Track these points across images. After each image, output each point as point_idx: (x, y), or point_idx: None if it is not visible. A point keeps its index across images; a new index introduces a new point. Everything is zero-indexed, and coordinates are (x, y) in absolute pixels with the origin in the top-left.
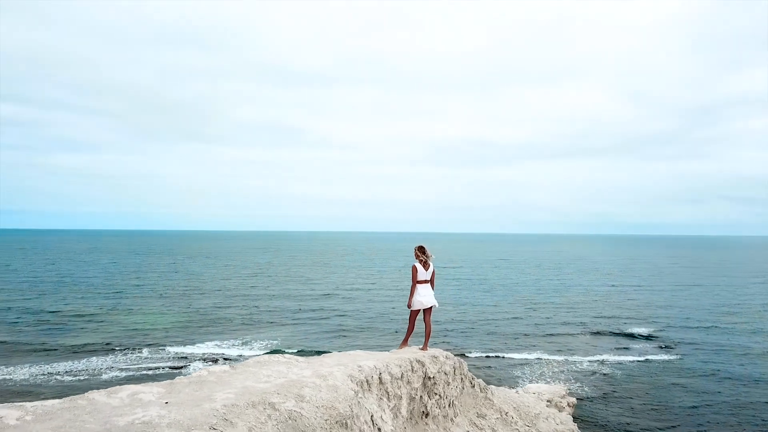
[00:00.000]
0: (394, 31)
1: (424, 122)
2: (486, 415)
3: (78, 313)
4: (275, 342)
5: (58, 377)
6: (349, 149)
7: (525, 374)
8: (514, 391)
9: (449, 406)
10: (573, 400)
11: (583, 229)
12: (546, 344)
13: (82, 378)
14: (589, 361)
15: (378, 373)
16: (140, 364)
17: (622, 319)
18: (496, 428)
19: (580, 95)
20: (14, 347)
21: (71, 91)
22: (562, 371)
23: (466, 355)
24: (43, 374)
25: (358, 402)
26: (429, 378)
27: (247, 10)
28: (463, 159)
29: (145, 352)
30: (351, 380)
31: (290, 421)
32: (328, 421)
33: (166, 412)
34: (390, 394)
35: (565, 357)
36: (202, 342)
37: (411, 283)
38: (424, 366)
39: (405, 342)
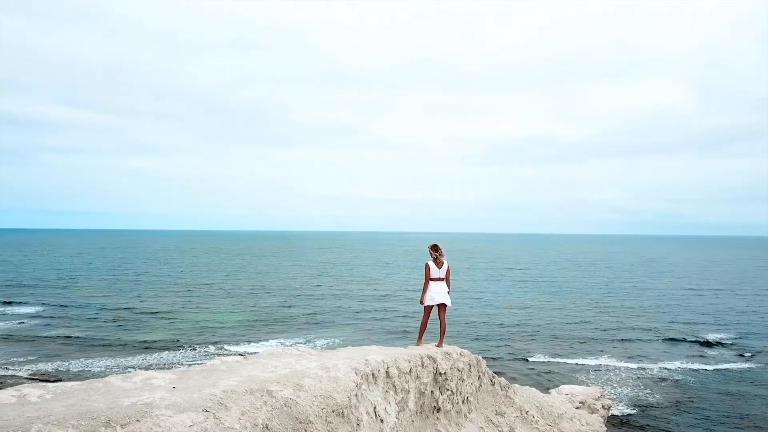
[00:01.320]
0: (450, 31)
1: (481, 121)
2: (505, 413)
3: (150, 311)
4: (336, 341)
5: (131, 371)
6: (406, 150)
7: (588, 379)
8: (540, 391)
9: (463, 402)
10: (608, 402)
11: (651, 230)
12: (614, 349)
13: None
14: (660, 368)
15: (386, 367)
16: (205, 360)
17: (698, 324)
18: (514, 426)
19: (646, 90)
20: (92, 342)
21: (141, 97)
22: (630, 377)
23: (528, 359)
24: (117, 367)
25: (361, 393)
26: (440, 374)
27: (307, 16)
28: (522, 158)
29: (212, 348)
30: (355, 373)
31: (285, 408)
32: (325, 410)
33: (169, 395)
34: (397, 387)
35: (634, 363)
36: (266, 340)
37: (424, 281)
38: (435, 362)
39: (420, 339)
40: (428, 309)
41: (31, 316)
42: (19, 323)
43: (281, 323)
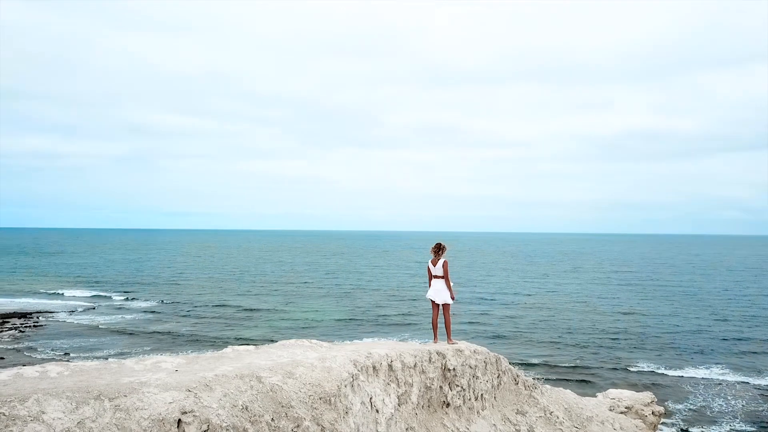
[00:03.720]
0: (550, 25)
1: (587, 116)
2: (527, 413)
3: (252, 308)
4: (426, 342)
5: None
6: (507, 147)
7: (696, 392)
8: (579, 394)
9: (476, 398)
10: (660, 409)
11: None
12: (731, 361)
13: None
14: None
15: (389, 360)
16: None
17: None
18: (534, 426)
19: None
20: (197, 337)
21: (244, 103)
22: (746, 392)
23: (629, 368)
24: None
25: (358, 384)
26: (449, 370)
27: (403, 16)
28: (632, 153)
29: None
30: (354, 365)
31: (270, 393)
32: (311, 397)
33: (166, 376)
34: (400, 381)
35: (752, 378)
36: (359, 339)
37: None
38: (444, 358)
39: (435, 335)
40: (433, 306)
41: (146, 311)
42: (136, 317)
43: (374, 323)
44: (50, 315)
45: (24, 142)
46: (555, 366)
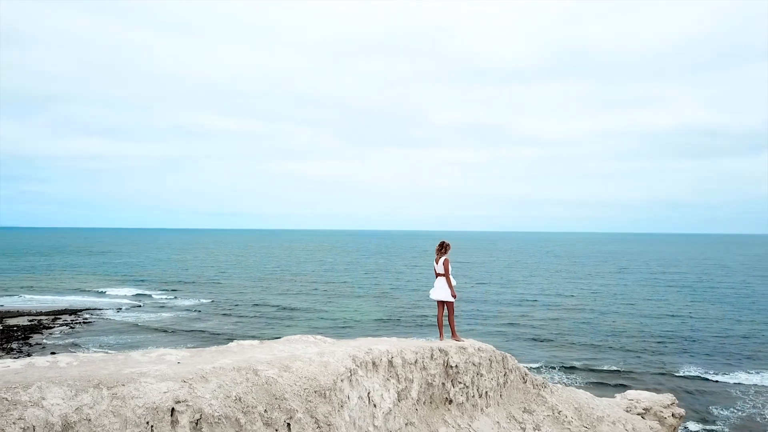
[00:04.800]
0: (594, 18)
1: (638, 113)
2: (534, 411)
3: (292, 307)
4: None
5: None
6: (551, 146)
7: (746, 399)
8: (593, 394)
9: (480, 396)
10: (680, 411)
11: None
12: None
13: None
14: None
15: (389, 356)
16: None
17: None
18: (541, 424)
19: None
20: (237, 336)
21: (289, 104)
22: None
23: (674, 373)
24: None
25: (356, 379)
26: (451, 367)
27: (442, 15)
28: (685, 150)
29: None
30: (353, 360)
31: (265, 386)
32: (306, 390)
33: (166, 368)
34: (400, 376)
35: None
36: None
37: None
38: (447, 355)
39: (440, 333)
40: (438, 304)
41: (188, 309)
42: (178, 315)
43: (413, 324)
44: (98, 312)
45: (77, 144)
46: (596, 370)
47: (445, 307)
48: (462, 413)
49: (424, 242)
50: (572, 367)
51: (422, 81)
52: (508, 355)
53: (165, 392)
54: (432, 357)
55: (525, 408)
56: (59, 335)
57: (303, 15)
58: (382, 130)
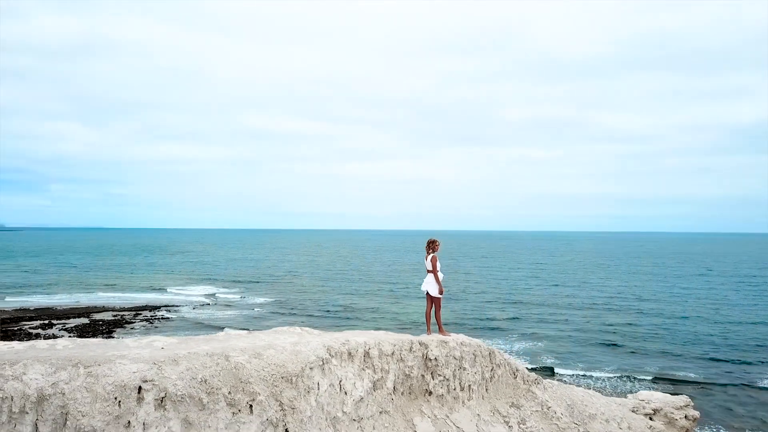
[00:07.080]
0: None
1: (724, 105)
2: (522, 406)
3: (358, 307)
4: (539, 346)
5: None
6: (628, 141)
7: None
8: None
9: (462, 389)
10: (695, 413)
11: None
12: None
13: None
14: None
15: (366, 348)
16: None
17: None
18: (527, 419)
19: None
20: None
21: (356, 105)
22: None
23: (755, 384)
24: None
25: (329, 368)
26: (430, 359)
27: (510, 11)
28: None
29: None
30: (327, 350)
31: (234, 370)
32: (274, 376)
33: (148, 352)
34: (376, 367)
35: None
36: None
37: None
38: (427, 348)
39: (428, 328)
40: (426, 298)
41: (259, 307)
42: (249, 313)
43: (477, 326)
44: (175, 309)
45: (156, 149)
46: (670, 379)
47: (433, 302)
48: (442, 405)
49: (493, 243)
50: (641, 379)
51: (492, 78)
52: (495, 350)
53: (134, 372)
54: (411, 350)
55: (513, 403)
56: (140, 329)
57: (371, 16)
58: (453, 128)
